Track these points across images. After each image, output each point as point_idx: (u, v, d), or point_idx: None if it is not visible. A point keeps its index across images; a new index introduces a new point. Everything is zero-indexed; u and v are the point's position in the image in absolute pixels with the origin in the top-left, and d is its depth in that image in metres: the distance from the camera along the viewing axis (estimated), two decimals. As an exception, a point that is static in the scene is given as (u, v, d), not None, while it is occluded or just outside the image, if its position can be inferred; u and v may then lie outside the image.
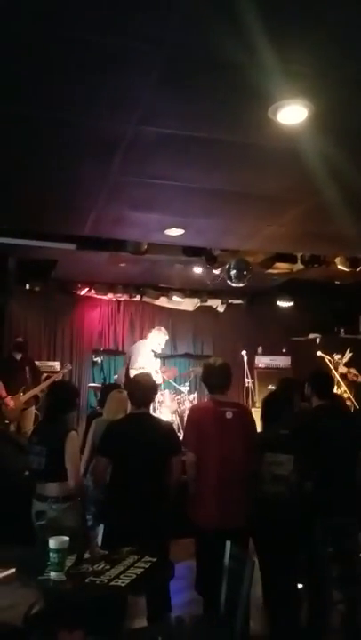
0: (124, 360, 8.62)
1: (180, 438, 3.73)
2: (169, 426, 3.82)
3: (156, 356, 7.86)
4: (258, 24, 2.09)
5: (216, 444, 3.36)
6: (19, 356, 7.38)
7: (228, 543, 2.82)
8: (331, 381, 4.14)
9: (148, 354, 7.57)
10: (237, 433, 3.41)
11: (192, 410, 3.89)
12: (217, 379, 3.60)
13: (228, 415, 3.41)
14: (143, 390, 3.60)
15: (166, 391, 8.09)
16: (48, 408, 4.00)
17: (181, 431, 5.89)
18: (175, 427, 6.42)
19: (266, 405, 3.88)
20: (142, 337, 9.45)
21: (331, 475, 3.54)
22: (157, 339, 7.75)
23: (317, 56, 2.33)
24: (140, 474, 3.31)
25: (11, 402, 6.93)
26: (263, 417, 3.82)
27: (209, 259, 6.63)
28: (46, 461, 3.47)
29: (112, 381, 8.26)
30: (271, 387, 7.17)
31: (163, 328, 8.05)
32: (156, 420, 3.78)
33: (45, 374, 7.59)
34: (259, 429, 3.82)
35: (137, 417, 3.58)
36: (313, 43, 2.25)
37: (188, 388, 8.54)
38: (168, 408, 7.82)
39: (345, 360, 7.60)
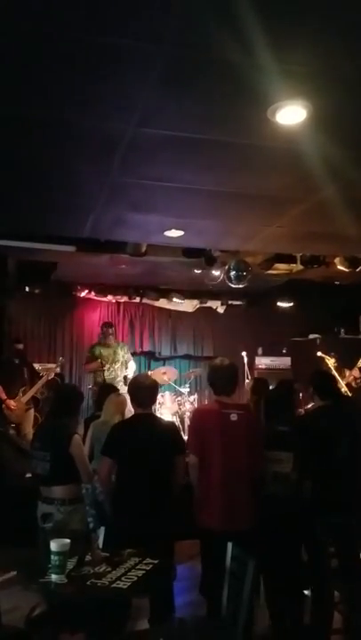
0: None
1: (184, 439, 3.72)
2: (172, 425, 3.82)
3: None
4: (257, 25, 2.09)
5: (220, 447, 3.32)
6: (17, 360, 7.41)
7: (230, 544, 2.80)
8: (332, 381, 4.12)
9: None
10: (242, 435, 3.35)
11: (196, 412, 3.87)
12: (223, 380, 3.51)
13: (233, 417, 3.34)
14: (145, 391, 3.59)
15: (167, 393, 8.09)
16: (51, 409, 3.98)
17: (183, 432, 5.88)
18: (176, 428, 6.41)
19: (266, 403, 3.87)
20: (141, 338, 9.50)
21: (331, 474, 3.54)
22: None
23: (315, 56, 2.33)
24: (145, 475, 3.30)
25: (13, 404, 6.95)
26: (264, 415, 3.81)
27: (208, 260, 6.64)
28: (51, 466, 3.45)
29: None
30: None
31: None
32: (160, 421, 3.78)
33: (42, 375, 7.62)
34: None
35: (141, 418, 3.56)
36: (311, 43, 2.24)
37: (188, 390, 8.54)
38: (168, 409, 7.83)
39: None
